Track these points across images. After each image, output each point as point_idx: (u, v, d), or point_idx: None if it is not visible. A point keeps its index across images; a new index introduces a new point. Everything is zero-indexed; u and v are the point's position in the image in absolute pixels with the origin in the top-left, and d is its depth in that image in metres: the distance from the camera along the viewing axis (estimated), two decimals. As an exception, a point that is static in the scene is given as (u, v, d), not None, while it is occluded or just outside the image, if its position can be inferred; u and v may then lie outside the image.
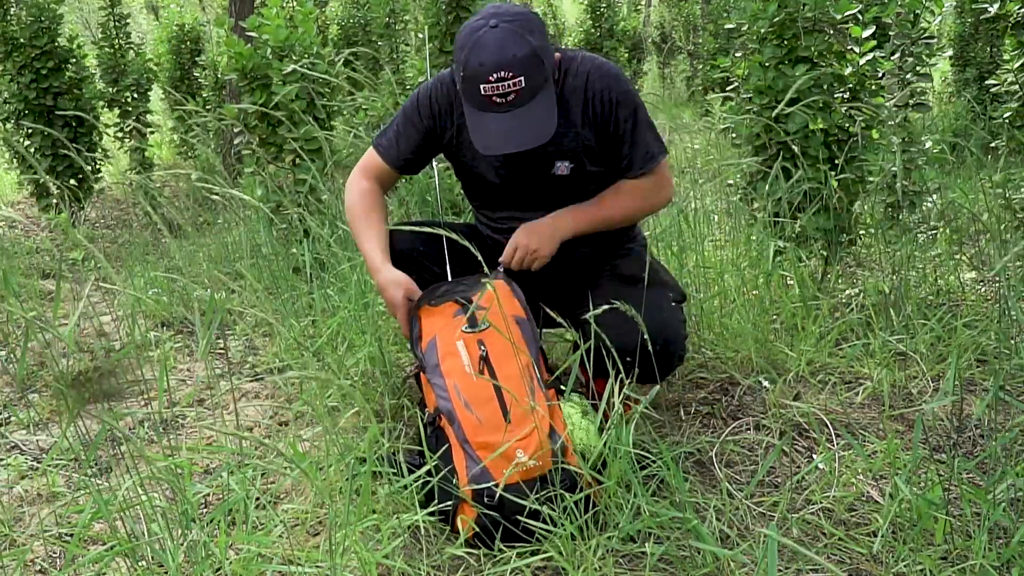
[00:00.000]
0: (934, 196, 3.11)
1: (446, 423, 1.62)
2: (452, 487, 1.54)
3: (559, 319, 1.61)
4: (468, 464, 1.54)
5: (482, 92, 1.62)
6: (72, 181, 4.81)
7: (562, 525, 1.45)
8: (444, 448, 1.60)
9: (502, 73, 1.59)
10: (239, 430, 2.07)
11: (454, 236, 1.68)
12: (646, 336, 1.58)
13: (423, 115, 1.87)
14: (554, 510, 1.47)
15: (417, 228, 1.71)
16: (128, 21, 5.63)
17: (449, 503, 1.55)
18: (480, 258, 1.59)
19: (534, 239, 1.81)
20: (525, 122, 1.64)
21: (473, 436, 1.55)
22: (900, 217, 3.11)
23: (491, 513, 1.49)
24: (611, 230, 1.89)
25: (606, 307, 1.56)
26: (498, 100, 1.62)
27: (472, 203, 2.05)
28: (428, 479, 1.57)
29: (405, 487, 1.58)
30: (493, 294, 1.68)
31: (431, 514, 1.53)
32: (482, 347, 1.65)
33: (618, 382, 1.54)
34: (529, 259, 1.82)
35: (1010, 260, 2.37)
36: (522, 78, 1.60)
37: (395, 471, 1.64)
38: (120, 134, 5.40)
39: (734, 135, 2.92)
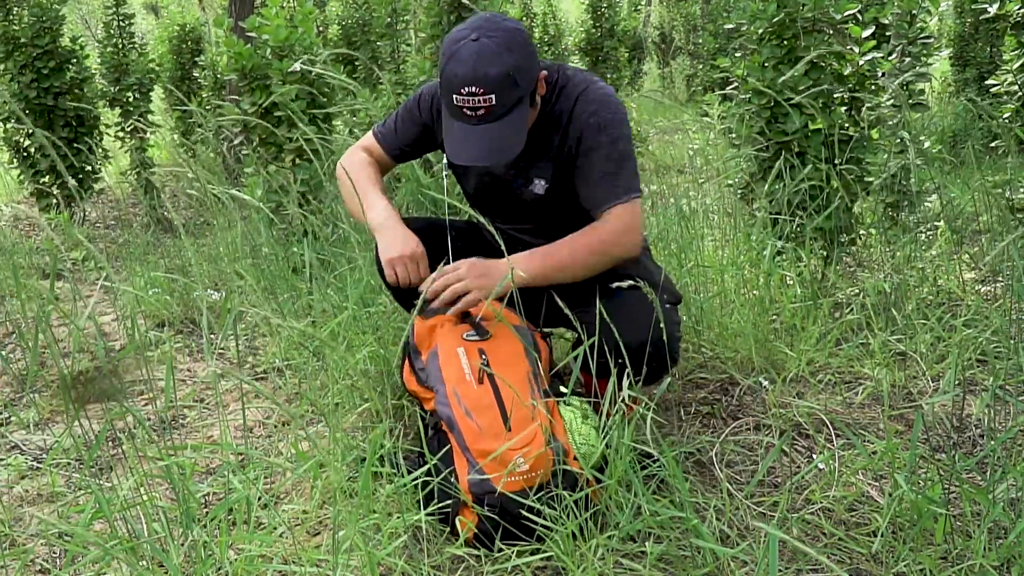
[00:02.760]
0: (933, 196, 3.12)
1: (447, 428, 1.62)
2: (452, 488, 1.54)
3: (567, 310, 1.60)
4: (469, 471, 1.54)
5: (454, 102, 1.62)
6: (72, 181, 4.81)
7: (562, 524, 1.45)
8: (445, 449, 1.60)
9: (473, 88, 1.59)
10: (242, 429, 2.07)
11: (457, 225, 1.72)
12: (661, 324, 1.59)
13: (423, 111, 1.89)
14: (554, 509, 1.47)
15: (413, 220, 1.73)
16: (132, 21, 5.62)
17: (449, 502, 1.55)
18: (503, 246, 1.62)
19: (472, 275, 1.70)
20: (491, 139, 1.64)
21: (473, 443, 1.55)
22: (900, 217, 3.11)
23: (492, 517, 1.49)
24: (574, 280, 1.74)
25: (629, 282, 1.55)
26: (468, 113, 1.62)
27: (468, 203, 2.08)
28: (428, 479, 1.57)
29: (406, 486, 1.58)
30: (493, 305, 1.69)
31: (431, 514, 1.54)
32: (483, 356, 1.65)
33: (621, 380, 1.53)
34: (451, 293, 1.69)
35: (1000, 254, 2.37)
36: (492, 96, 1.59)
37: (395, 471, 1.64)
38: (121, 134, 5.40)
39: (733, 135, 2.92)
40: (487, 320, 1.75)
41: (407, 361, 1.78)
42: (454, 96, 1.61)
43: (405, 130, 1.93)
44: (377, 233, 1.83)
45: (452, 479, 1.55)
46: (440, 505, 1.54)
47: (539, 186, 1.83)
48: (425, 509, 1.53)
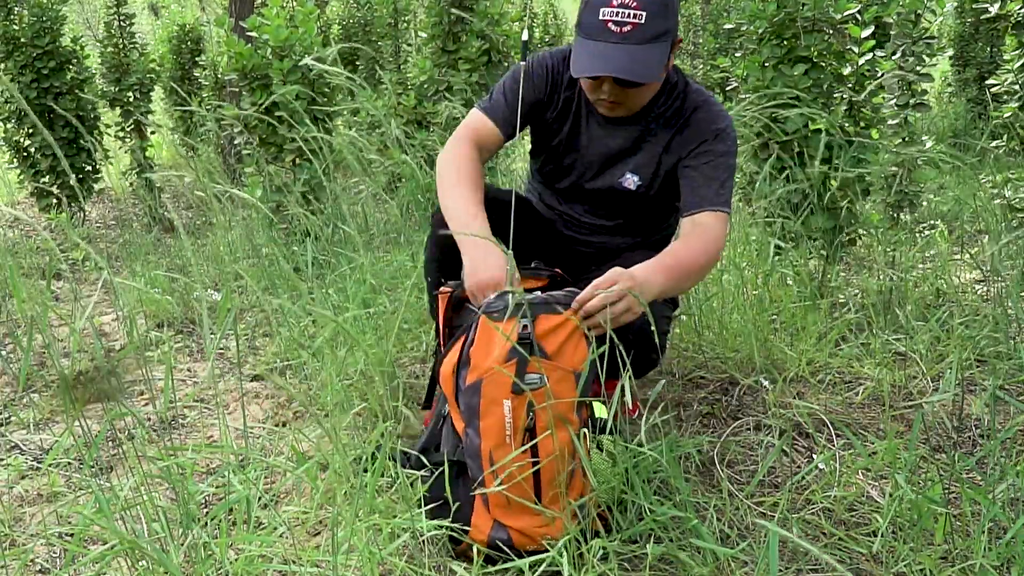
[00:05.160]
0: (933, 196, 3.12)
1: (471, 475, 1.50)
2: (464, 514, 1.49)
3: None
4: (493, 527, 1.47)
5: (600, 16, 1.58)
6: (74, 180, 4.81)
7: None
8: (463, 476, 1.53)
9: (627, 0, 1.56)
10: (242, 429, 2.07)
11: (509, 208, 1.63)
12: (650, 322, 1.49)
13: (537, 86, 1.82)
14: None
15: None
16: (134, 21, 5.61)
17: (452, 513, 1.50)
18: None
19: (634, 288, 1.48)
20: (631, 57, 1.58)
21: (502, 516, 1.46)
22: (900, 217, 3.11)
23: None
24: (681, 293, 1.67)
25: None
26: (613, 27, 1.57)
27: (537, 184, 2.00)
28: (427, 477, 1.57)
29: (412, 484, 1.58)
30: (556, 327, 1.45)
31: (440, 527, 1.50)
32: (530, 415, 1.43)
33: (626, 380, 1.49)
34: (608, 316, 1.46)
35: (999, 252, 2.37)
36: (644, 14, 1.56)
37: (396, 470, 1.63)
38: (121, 134, 5.40)
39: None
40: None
41: (456, 367, 1.51)
42: (602, 9, 1.58)
43: (513, 104, 1.82)
44: (463, 245, 1.63)
45: (461, 490, 1.51)
46: (445, 524, 1.48)
47: (631, 181, 1.81)
48: (426, 509, 1.52)
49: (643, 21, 1.57)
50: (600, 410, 1.50)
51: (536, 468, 1.44)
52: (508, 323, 1.44)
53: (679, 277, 1.62)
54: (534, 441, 1.43)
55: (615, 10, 1.57)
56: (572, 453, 1.45)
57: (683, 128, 1.76)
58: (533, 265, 1.73)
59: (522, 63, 1.84)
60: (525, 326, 1.43)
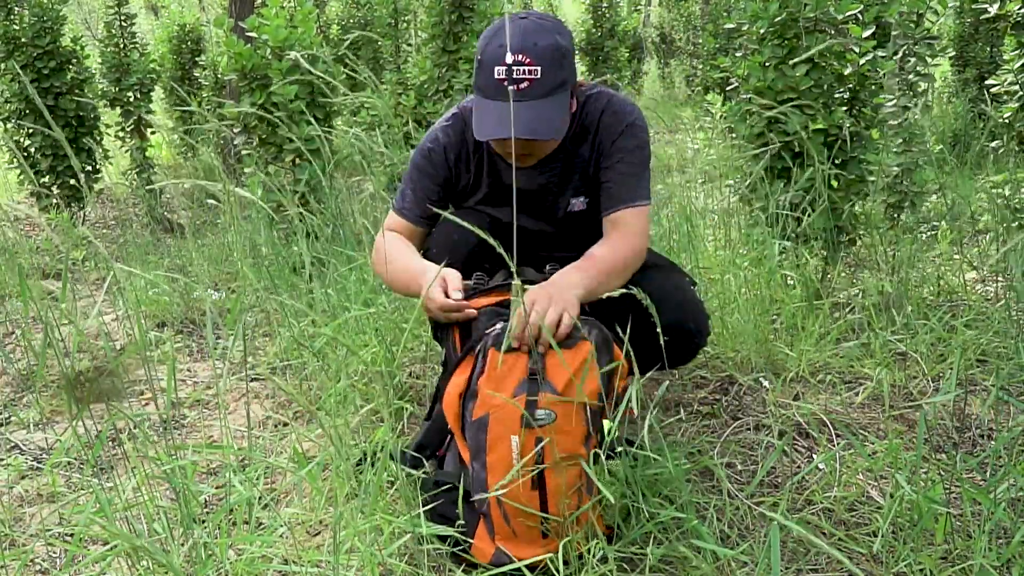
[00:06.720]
0: (934, 196, 3.12)
1: (476, 507, 1.47)
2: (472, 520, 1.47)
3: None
4: (495, 552, 1.45)
5: (495, 75, 1.54)
6: (72, 181, 4.81)
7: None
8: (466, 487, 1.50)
9: (520, 57, 1.52)
10: (243, 429, 2.07)
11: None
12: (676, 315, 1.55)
13: (438, 166, 1.80)
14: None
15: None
16: (135, 21, 5.61)
17: (456, 524, 1.48)
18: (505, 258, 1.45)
19: (545, 301, 1.45)
20: (531, 114, 1.54)
21: (509, 547, 1.43)
22: (900, 217, 3.11)
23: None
24: (608, 292, 1.55)
25: (623, 290, 1.45)
26: (510, 86, 1.53)
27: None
28: (427, 476, 1.57)
29: (413, 483, 1.58)
30: (567, 360, 1.41)
31: (442, 537, 1.49)
32: (539, 450, 1.39)
33: (632, 378, 1.48)
34: (545, 335, 1.42)
35: (1006, 255, 2.37)
36: (539, 68, 1.53)
37: (399, 470, 1.63)
38: (121, 134, 5.40)
39: (734, 135, 2.92)
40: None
41: (462, 396, 1.50)
42: (496, 68, 1.54)
43: (427, 193, 1.80)
44: (416, 288, 1.67)
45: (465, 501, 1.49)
46: (448, 531, 1.46)
47: (579, 203, 1.80)
48: (427, 510, 1.51)
49: (539, 76, 1.54)
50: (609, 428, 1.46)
51: (543, 487, 1.41)
52: (518, 356, 1.42)
53: (601, 277, 1.59)
54: (524, 455, 1.40)
55: (508, 67, 1.53)
56: (582, 481, 1.44)
57: (596, 135, 1.75)
58: (547, 269, 1.66)
59: (419, 149, 1.82)
60: (535, 361, 1.40)
